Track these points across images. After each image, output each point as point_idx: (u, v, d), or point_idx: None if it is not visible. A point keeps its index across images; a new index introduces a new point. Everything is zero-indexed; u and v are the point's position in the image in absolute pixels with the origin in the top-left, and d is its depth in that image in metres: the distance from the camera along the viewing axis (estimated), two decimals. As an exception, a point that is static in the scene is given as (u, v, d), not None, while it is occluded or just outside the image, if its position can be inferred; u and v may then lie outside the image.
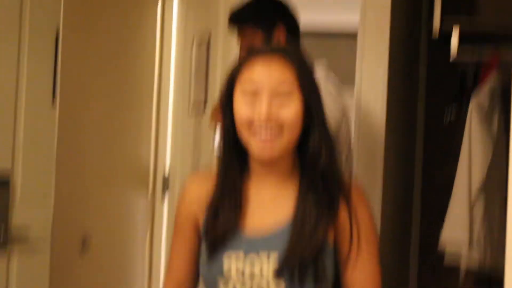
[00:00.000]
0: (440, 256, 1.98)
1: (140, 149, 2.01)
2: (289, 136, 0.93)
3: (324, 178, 0.94)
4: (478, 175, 1.82)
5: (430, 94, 2.30)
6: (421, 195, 2.30)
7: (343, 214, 0.94)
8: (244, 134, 0.94)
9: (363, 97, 1.83)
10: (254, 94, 0.92)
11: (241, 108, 0.93)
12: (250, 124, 0.92)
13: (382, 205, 1.78)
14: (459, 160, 1.86)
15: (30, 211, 1.48)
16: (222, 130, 1.02)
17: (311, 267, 0.92)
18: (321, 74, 1.62)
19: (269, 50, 1.01)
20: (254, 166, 0.98)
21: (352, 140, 1.77)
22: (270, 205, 1.00)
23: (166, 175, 2.09)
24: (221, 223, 0.95)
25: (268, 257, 0.93)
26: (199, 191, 1.03)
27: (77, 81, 1.57)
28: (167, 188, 2.09)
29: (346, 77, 1.95)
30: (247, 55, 1.00)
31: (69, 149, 1.52)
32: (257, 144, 0.92)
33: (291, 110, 0.92)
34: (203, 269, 1.01)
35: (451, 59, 1.96)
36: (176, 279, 1.06)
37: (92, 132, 1.65)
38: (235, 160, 0.98)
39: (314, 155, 0.94)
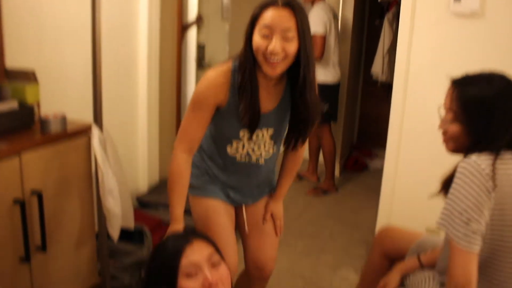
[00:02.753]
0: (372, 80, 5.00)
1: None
2: (288, 62, 1.48)
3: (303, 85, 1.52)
4: (386, 45, 4.73)
5: (371, 14, 5.17)
6: (366, 55, 5.26)
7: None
8: (260, 58, 1.46)
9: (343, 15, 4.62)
10: (269, 34, 1.43)
11: (259, 41, 1.44)
12: (265, 52, 1.44)
13: (350, 59, 4.67)
14: (380, 38, 4.76)
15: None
16: (244, 52, 1.51)
17: (283, 132, 1.66)
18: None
19: (283, 3, 1.43)
20: (260, 74, 1.52)
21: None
22: (267, 98, 1.58)
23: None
24: (252, 107, 1.51)
25: (267, 130, 1.63)
26: (221, 83, 1.53)
27: None
28: None
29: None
30: (265, 4, 1.45)
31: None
32: (269, 65, 1.45)
33: (292, 47, 1.45)
34: (219, 131, 1.65)
35: (379, 1, 4.80)
36: (189, 139, 1.55)
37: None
38: (253, 69, 1.50)
39: (301, 70, 1.50)
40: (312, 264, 2.96)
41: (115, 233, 1.83)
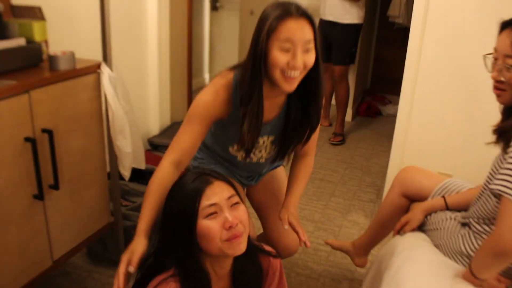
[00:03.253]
0: (388, 23, 4.84)
1: None
2: (305, 74, 1.39)
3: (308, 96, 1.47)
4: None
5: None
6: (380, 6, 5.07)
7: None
8: (277, 74, 1.35)
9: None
10: (290, 48, 1.32)
11: (279, 57, 1.32)
12: (284, 68, 1.34)
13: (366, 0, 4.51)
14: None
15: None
16: (252, 68, 1.36)
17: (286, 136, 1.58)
18: None
19: (299, 12, 1.32)
20: (265, 87, 1.40)
21: None
22: (269, 109, 1.49)
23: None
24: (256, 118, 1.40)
25: (268, 137, 1.58)
26: (222, 100, 1.43)
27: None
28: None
29: None
30: (280, 15, 1.31)
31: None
32: (287, 81, 1.36)
33: (312, 59, 1.37)
34: (219, 135, 1.62)
35: None
36: (179, 149, 1.41)
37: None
38: (261, 88, 1.38)
39: (315, 82, 1.44)
40: (322, 208, 2.98)
41: (126, 172, 1.84)
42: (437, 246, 1.66)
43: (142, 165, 1.95)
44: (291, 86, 1.38)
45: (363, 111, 4.79)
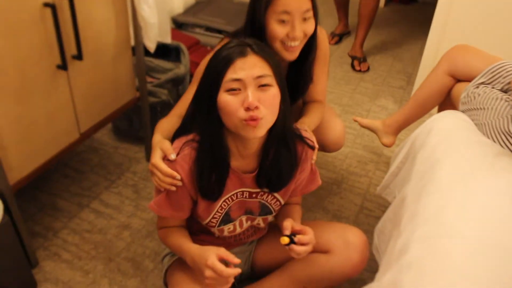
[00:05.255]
0: None
1: None
2: (305, 41, 1.42)
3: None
4: None
5: None
6: None
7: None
8: (277, 45, 1.39)
9: None
10: (288, 20, 1.33)
11: (278, 28, 1.34)
12: (285, 39, 1.37)
13: None
14: None
15: None
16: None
17: None
18: None
19: None
20: None
21: None
22: None
23: None
24: None
25: None
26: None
27: None
28: None
29: None
30: None
31: None
32: (288, 51, 1.40)
33: (311, 27, 1.39)
34: None
35: None
36: (186, 106, 1.28)
37: None
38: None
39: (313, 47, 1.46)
40: (351, 92, 2.90)
41: (152, 44, 1.76)
42: (479, 125, 1.59)
43: (167, 39, 1.87)
44: (292, 55, 1.40)
45: (398, -4, 4.48)
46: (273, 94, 1.11)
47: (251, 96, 1.07)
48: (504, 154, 1.47)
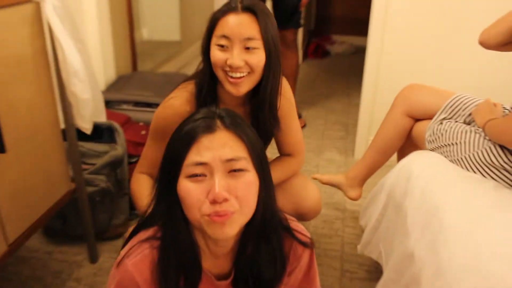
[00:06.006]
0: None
1: None
2: (256, 78, 1.25)
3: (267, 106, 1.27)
4: None
5: None
6: None
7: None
8: (220, 74, 1.24)
9: None
10: (228, 46, 1.20)
11: (217, 54, 1.22)
12: (224, 67, 1.22)
13: None
14: None
15: None
16: (202, 69, 1.28)
17: None
18: None
19: (242, 7, 1.19)
20: (224, 94, 1.30)
21: None
22: None
23: None
24: None
25: None
26: (186, 112, 1.21)
27: None
28: None
29: None
30: (221, 11, 1.20)
31: None
32: (231, 83, 1.24)
33: (256, 59, 1.21)
34: None
35: None
36: (149, 164, 1.35)
37: None
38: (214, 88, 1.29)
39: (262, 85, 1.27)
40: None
41: (86, 125, 1.50)
42: (456, 161, 1.52)
43: (102, 117, 1.61)
44: (236, 89, 1.25)
45: (311, 52, 4.60)
46: (249, 181, 0.87)
47: (217, 185, 0.83)
48: (499, 186, 1.40)
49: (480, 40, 1.57)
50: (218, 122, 0.88)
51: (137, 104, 2.43)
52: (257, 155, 0.90)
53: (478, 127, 1.51)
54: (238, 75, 1.22)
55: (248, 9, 1.20)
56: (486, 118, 1.48)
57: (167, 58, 3.66)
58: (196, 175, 0.85)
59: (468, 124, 1.59)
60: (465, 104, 1.63)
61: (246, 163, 0.87)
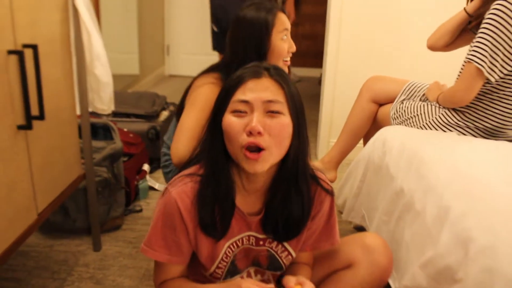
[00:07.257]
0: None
1: None
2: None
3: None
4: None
5: None
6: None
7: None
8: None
9: None
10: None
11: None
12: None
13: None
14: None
15: None
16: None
17: None
18: None
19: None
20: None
21: None
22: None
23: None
24: None
25: None
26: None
27: None
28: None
29: None
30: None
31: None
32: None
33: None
34: None
35: None
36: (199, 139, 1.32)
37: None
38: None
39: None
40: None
41: (105, 106, 1.63)
42: (419, 128, 1.85)
43: (112, 105, 1.75)
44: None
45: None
46: (283, 123, 1.01)
47: (255, 119, 0.98)
48: (460, 134, 1.76)
49: (428, 45, 1.98)
50: (264, 71, 1.05)
51: (116, 115, 2.57)
52: (294, 105, 1.04)
53: (432, 102, 1.85)
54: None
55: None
56: (437, 93, 1.83)
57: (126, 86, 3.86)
58: (239, 111, 1.01)
59: (424, 102, 1.93)
60: (419, 87, 2.01)
61: (282, 107, 1.01)
